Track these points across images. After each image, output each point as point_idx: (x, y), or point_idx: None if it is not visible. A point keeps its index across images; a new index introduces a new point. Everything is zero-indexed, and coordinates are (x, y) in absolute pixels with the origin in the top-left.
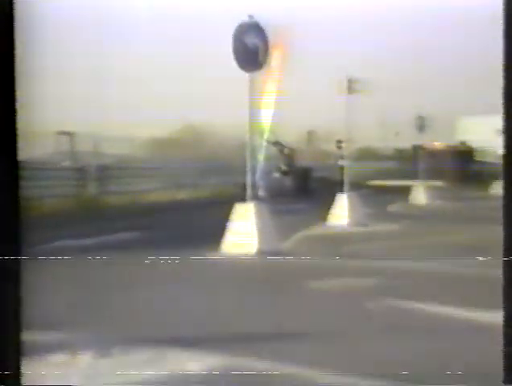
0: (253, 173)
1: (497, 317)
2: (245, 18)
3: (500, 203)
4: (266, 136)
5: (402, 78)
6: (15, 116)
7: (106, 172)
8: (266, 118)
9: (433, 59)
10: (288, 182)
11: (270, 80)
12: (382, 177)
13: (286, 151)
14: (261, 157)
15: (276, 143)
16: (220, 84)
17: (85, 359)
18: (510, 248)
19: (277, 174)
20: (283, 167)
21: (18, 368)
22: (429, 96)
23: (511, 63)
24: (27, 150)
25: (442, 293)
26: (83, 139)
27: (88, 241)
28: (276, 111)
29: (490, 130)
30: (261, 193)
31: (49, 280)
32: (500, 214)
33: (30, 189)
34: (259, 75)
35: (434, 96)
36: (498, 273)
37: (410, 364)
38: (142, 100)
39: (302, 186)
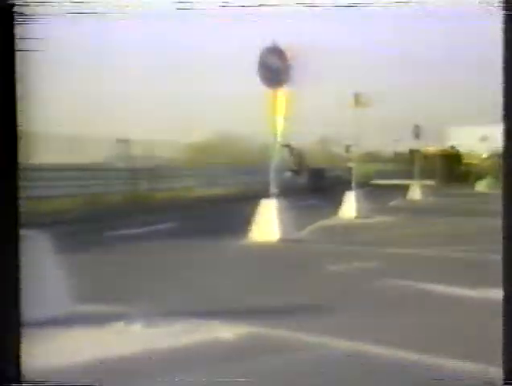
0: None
1: (477, 292)
2: (269, 43)
3: (482, 199)
4: (280, 140)
5: (402, 93)
6: (16, 119)
7: (154, 172)
8: (282, 126)
9: (429, 76)
10: (301, 179)
11: (289, 94)
12: (384, 177)
13: (295, 152)
14: (275, 158)
15: (287, 146)
16: (247, 98)
17: (137, 327)
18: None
19: (288, 173)
20: (294, 167)
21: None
22: (424, 109)
23: (511, 64)
24: (93, 155)
25: (434, 274)
26: (136, 145)
27: (140, 230)
28: (293, 120)
29: (474, 138)
30: (273, 190)
31: (110, 263)
32: (482, 207)
33: (96, 186)
34: (280, 90)
35: (428, 108)
36: (481, 256)
37: (407, 330)
38: (184, 112)
39: (317, 184)
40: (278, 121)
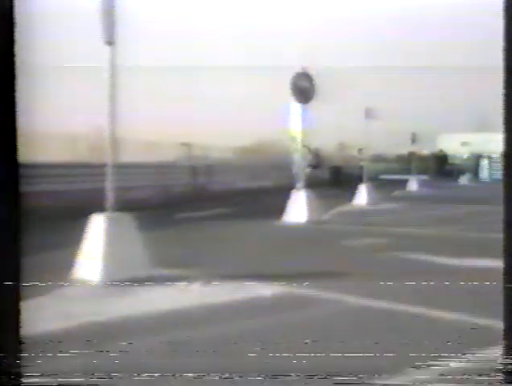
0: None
1: (461, 261)
2: (299, 68)
3: (464, 190)
4: (302, 142)
5: (402, 107)
6: (15, 119)
7: (210, 169)
8: (309, 134)
9: (422, 93)
10: (323, 175)
11: (315, 109)
12: (388, 173)
13: (313, 151)
14: (298, 157)
15: (306, 146)
16: (282, 111)
17: (197, 286)
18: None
19: (309, 169)
20: (312, 163)
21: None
22: (419, 120)
23: (511, 64)
24: (165, 155)
25: (428, 247)
26: (196, 148)
27: (199, 214)
28: (318, 129)
29: (458, 143)
30: (300, 183)
31: (177, 237)
32: (464, 196)
33: (166, 180)
34: (308, 105)
35: (422, 119)
36: (464, 234)
37: (407, 290)
38: (231, 123)
39: (336, 179)
40: (306, 130)
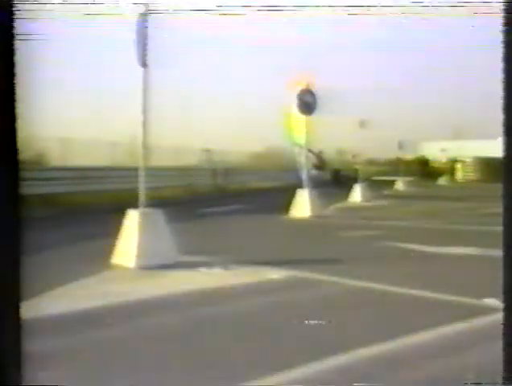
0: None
1: (440, 249)
2: (303, 86)
3: (442, 189)
4: (306, 147)
5: (391, 118)
6: (15, 120)
7: (227, 172)
8: (312, 141)
9: (408, 107)
10: (325, 176)
11: (317, 120)
12: (379, 175)
13: (317, 154)
14: (303, 160)
15: (310, 150)
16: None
17: (217, 270)
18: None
19: (314, 171)
20: (317, 164)
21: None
22: (404, 130)
23: (511, 65)
24: (189, 160)
25: (413, 238)
26: (215, 153)
27: (219, 209)
28: (320, 137)
29: (437, 149)
30: (305, 184)
31: (201, 229)
32: (442, 194)
33: (190, 180)
34: (311, 117)
35: (407, 130)
36: (443, 226)
37: (396, 273)
38: (245, 132)
39: (335, 179)
40: (309, 137)
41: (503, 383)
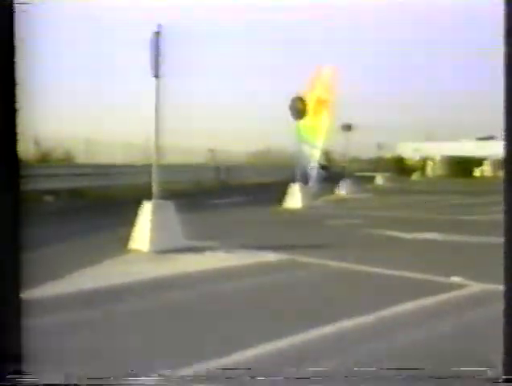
0: (299, 169)
1: (415, 236)
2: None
3: (415, 184)
4: (300, 149)
5: (370, 123)
6: (15, 120)
7: (230, 168)
8: (303, 141)
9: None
10: (325, 174)
11: (308, 122)
12: (362, 171)
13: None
14: (298, 159)
15: (320, 164)
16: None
17: (221, 254)
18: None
19: (320, 170)
20: (322, 164)
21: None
22: (383, 134)
23: (511, 65)
24: (196, 158)
25: (392, 226)
26: (219, 152)
27: (222, 201)
28: (309, 139)
29: (411, 149)
30: (311, 181)
31: (207, 218)
32: (415, 188)
33: (198, 176)
34: (301, 121)
35: (385, 134)
36: (417, 216)
37: (378, 257)
38: (246, 133)
39: (324, 175)
40: (301, 139)
41: (503, 381)
